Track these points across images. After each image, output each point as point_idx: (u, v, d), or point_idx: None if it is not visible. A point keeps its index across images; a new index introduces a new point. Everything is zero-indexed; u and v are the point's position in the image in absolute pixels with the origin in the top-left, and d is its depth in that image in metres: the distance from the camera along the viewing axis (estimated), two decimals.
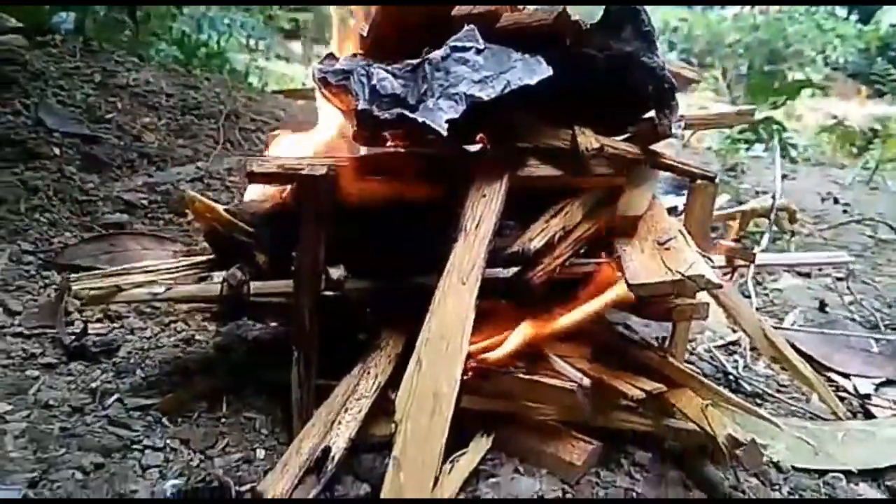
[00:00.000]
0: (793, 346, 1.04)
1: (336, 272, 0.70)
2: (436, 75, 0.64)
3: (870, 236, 1.67)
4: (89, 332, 0.93)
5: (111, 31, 2.47)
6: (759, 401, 0.99)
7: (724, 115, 0.88)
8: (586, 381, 0.73)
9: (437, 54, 0.65)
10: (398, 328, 0.79)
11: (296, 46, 5.54)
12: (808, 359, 1.05)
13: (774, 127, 2.28)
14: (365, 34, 0.83)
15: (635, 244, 0.73)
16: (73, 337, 0.90)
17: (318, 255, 0.71)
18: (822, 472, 0.80)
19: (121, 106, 1.71)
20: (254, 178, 0.72)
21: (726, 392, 0.79)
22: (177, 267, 0.77)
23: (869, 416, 0.96)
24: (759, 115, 2.50)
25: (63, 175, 1.39)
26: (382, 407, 0.72)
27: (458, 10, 0.71)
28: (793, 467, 0.80)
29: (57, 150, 1.46)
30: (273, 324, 0.82)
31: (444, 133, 0.61)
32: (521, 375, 0.72)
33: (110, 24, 2.48)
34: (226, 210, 0.75)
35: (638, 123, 0.74)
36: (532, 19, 0.69)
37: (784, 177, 2.12)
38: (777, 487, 0.76)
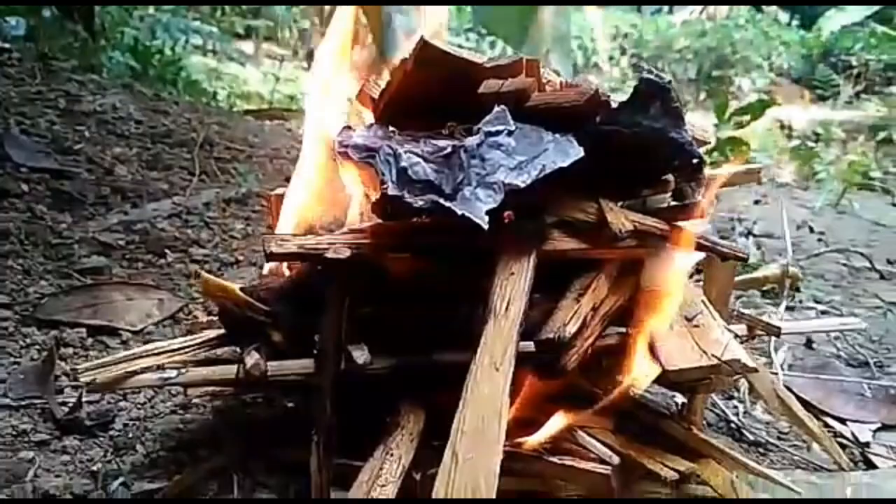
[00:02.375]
0: (789, 389, 1.06)
1: (360, 355, 0.68)
2: (472, 163, 0.62)
3: (844, 265, 1.70)
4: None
5: (62, 37, 2.38)
6: (762, 450, 1.00)
7: (734, 175, 0.88)
8: (616, 460, 0.72)
9: (472, 141, 0.63)
10: (417, 404, 0.77)
11: (247, 47, 5.47)
12: (806, 404, 1.06)
13: (742, 148, 2.32)
14: (376, 97, 0.81)
15: (667, 320, 0.72)
16: (65, 410, 0.86)
17: (341, 337, 0.68)
18: None
19: (88, 135, 1.64)
20: (272, 258, 0.69)
21: (748, 461, 0.78)
22: (187, 346, 0.74)
23: (870, 465, 0.97)
24: (724, 134, 2.55)
25: (34, 215, 1.32)
26: (407, 488, 0.70)
27: (486, 86, 0.69)
28: None
29: (25, 187, 1.39)
30: (289, 404, 0.79)
31: (486, 226, 0.59)
32: (554, 460, 0.70)
33: (62, 32, 2.39)
34: (241, 289, 0.72)
35: (667, 196, 0.74)
36: (563, 99, 0.68)
37: (757, 202, 2.16)
38: None
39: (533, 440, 0.70)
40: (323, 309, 0.71)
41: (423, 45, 0.70)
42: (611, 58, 10.30)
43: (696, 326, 0.71)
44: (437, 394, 0.75)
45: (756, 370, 0.65)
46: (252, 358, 0.67)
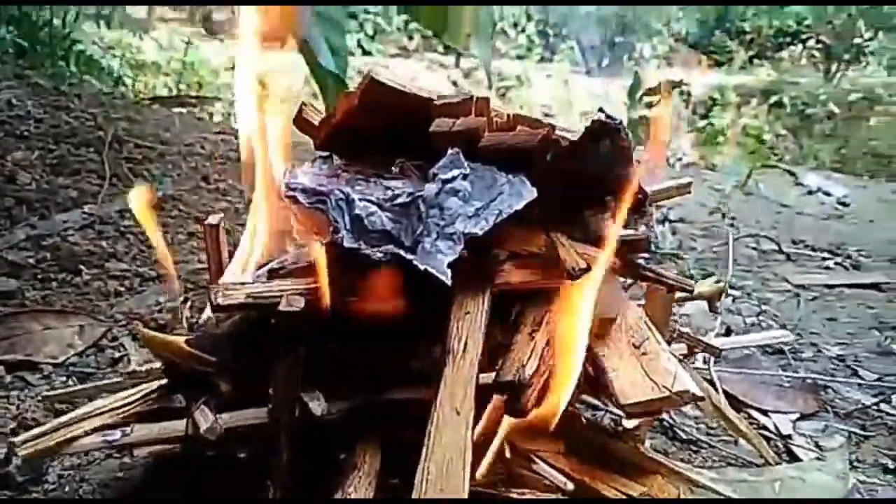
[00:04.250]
0: (713, 385, 1.11)
1: (317, 405, 0.66)
2: (430, 213, 0.61)
3: (754, 248, 1.79)
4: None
5: None
6: (694, 448, 1.05)
7: (667, 190, 0.90)
8: (570, 486, 0.74)
9: (430, 190, 0.62)
10: (372, 442, 0.76)
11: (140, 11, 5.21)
12: (731, 398, 1.12)
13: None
14: (317, 124, 0.78)
15: (613, 349, 0.73)
16: None
17: (297, 387, 0.67)
18: None
19: None
20: (219, 310, 0.66)
21: (692, 475, 0.82)
22: (129, 402, 0.70)
23: (793, 456, 1.04)
24: (636, 114, 2.62)
25: None
26: None
27: (437, 125, 0.67)
28: None
29: None
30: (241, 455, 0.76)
31: (449, 282, 0.59)
32: (512, 495, 0.71)
33: None
34: (186, 342, 0.69)
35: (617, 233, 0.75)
36: (516, 140, 0.67)
37: None
38: None
39: (482, 468, 0.70)
40: (272, 353, 0.69)
41: (371, 81, 0.68)
42: (515, 24, 10.36)
43: (644, 354, 0.73)
44: (393, 431, 0.74)
45: (703, 398, 0.68)
46: (206, 419, 0.64)
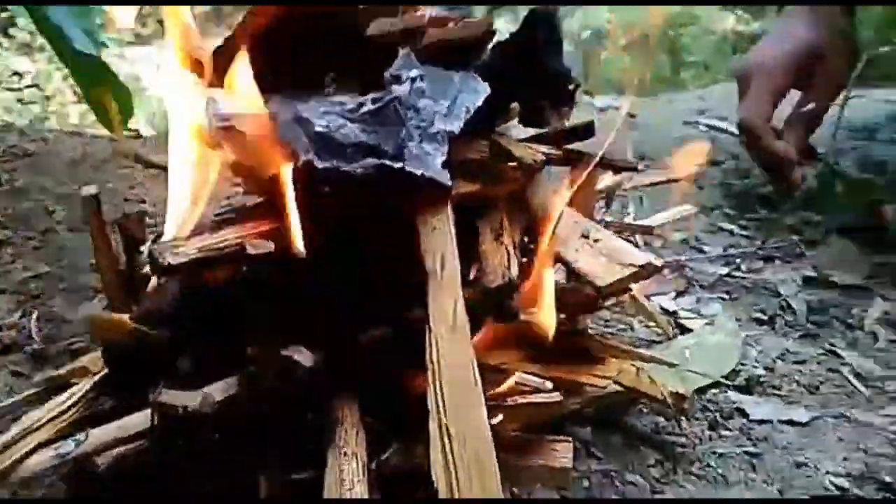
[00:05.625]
0: None
1: (305, 357, 0.59)
2: (408, 115, 0.56)
3: None
4: None
5: None
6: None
7: None
8: (549, 385, 0.74)
9: (401, 90, 0.56)
10: (342, 392, 0.70)
11: None
12: None
13: None
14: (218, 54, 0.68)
15: (565, 242, 0.74)
16: None
17: (278, 342, 0.59)
18: (702, 391, 0.93)
19: None
20: (171, 271, 0.56)
21: (639, 350, 0.86)
22: (72, 405, 0.57)
23: (685, 329, 1.13)
24: None
25: None
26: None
27: (375, 27, 0.62)
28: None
29: None
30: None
31: (449, 183, 0.55)
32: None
33: None
34: (130, 318, 0.57)
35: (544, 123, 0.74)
36: (462, 34, 0.64)
37: None
38: (699, 419, 0.87)
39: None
40: (236, 312, 0.61)
41: None
42: None
43: (596, 240, 0.74)
44: (369, 372, 0.69)
45: (663, 268, 0.71)
46: (184, 398, 0.55)
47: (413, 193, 0.60)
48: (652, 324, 1.11)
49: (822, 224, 1.43)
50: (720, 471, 0.78)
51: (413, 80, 0.58)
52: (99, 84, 2.34)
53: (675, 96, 2.91)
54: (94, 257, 0.77)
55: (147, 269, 0.70)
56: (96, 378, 0.61)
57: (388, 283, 0.66)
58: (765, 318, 1.15)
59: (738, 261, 1.33)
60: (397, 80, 0.57)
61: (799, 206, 1.35)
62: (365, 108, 0.56)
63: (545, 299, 0.71)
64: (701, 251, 1.41)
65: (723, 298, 1.22)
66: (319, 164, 0.54)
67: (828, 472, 0.78)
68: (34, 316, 1.03)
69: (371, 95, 0.57)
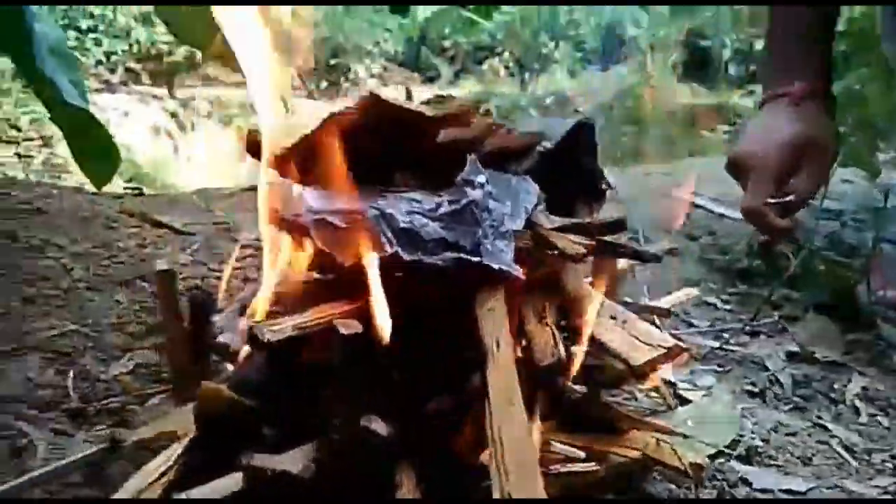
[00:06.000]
0: None
1: (381, 427, 0.66)
2: (483, 216, 0.64)
3: None
4: None
5: None
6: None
7: None
8: (581, 454, 0.81)
9: (476, 194, 0.64)
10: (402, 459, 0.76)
11: None
12: None
13: None
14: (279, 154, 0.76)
15: (598, 324, 0.82)
16: None
17: (359, 412, 0.65)
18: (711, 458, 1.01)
19: None
20: (265, 347, 0.62)
21: (655, 422, 0.94)
22: (164, 472, 0.62)
23: (684, 399, 1.21)
24: None
25: None
26: None
27: (444, 135, 0.70)
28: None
29: None
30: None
31: (522, 276, 0.62)
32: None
33: None
34: (228, 387, 0.63)
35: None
36: (517, 143, 0.72)
37: None
38: (708, 487, 0.94)
39: None
40: (320, 384, 0.67)
41: (372, 97, 0.69)
42: None
43: (624, 322, 0.82)
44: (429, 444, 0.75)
45: (689, 350, 0.79)
46: (280, 462, 0.60)
47: (477, 282, 0.68)
48: (653, 394, 1.18)
49: (801, 301, 1.54)
50: None
51: (483, 184, 0.66)
52: (86, 136, 2.39)
53: (644, 168, 3.07)
54: (163, 327, 0.82)
55: (218, 338, 0.75)
56: (185, 442, 0.66)
57: (448, 359, 0.73)
58: (756, 390, 1.24)
59: (725, 335, 1.42)
60: (470, 184, 0.66)
61: (781, 283, 1.46)
62: (443, 209, 0.64)
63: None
64: (691, 325, 1.51)
65: (716, 371, 1.31)
66: (406, 257, 0.62)
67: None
68: (70, 375, 1.07)
69: (446, 197, 0.65)
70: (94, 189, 2.07)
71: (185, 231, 1.70)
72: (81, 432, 0.96)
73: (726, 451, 1.03)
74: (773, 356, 1.35)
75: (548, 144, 0.76)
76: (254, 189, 2.14)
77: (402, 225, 0.63)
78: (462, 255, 0.62)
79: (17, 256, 1.39)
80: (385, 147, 0.71)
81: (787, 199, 1.35)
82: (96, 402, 1.02)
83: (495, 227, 0.64)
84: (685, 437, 0.92)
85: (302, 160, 0.73)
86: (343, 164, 0.67)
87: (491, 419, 0.67)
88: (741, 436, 1.08)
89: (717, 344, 1.39)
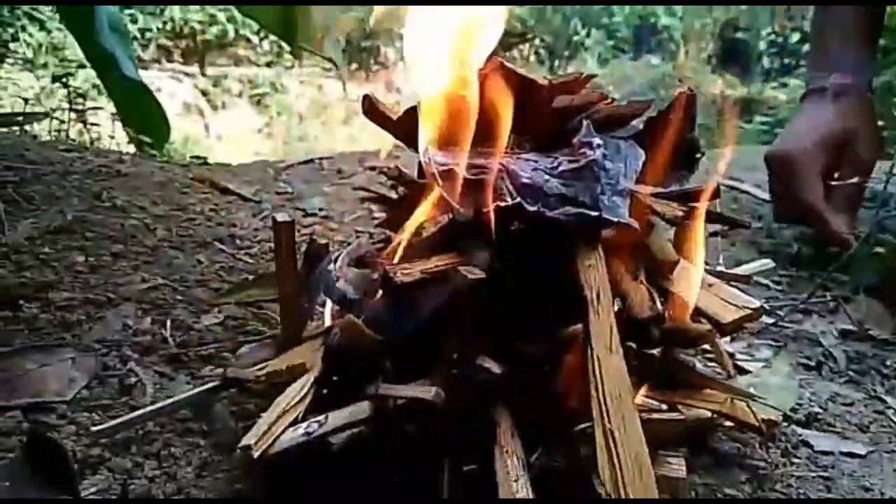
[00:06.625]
0: None
1: (495, 366, 0.71)
2: (602, 175, 0.69)
3: None
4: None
5: None
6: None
7: None
8: (664, 406, 0.86)
9: (595, 154, 0.70)
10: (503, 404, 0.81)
11: None
12: None
13: None
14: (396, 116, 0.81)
15: (688, 285, 0.87)
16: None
17: (476, 353, 0.71)
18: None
19: None
20: (396, 288, 0.68)
21: (726, 383, 0.99)
22: (303, 395, 0.69)
23: (742, 370, 1.26)
24: None
25: None
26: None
27: (558, 101, 0.75)
28: None
29: None
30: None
31: (638, 228, 0.68)
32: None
33: None
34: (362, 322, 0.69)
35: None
36: (627, 110, 0.78)
37: None
38: (772, 448, 0.99)
39: None
40: (437, 324, 0.72)
41: (497, 63, 0.74)
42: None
43: (710, 285, 0.87)
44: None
45: (769, 312, 0.84)
46: (425, 391, 0.66)
47: (588, 236, 0.73)
48: (711, 363, 1.23)
49: (850, 283, 1.58)
50: (801, 490, 0.91)
51: (600, 145, 0.71)
52: (140, 105, 2.47)
53: None
54: (277, 276, 0.88)
55: (335, 286, 0.81)
56: (315, 374, 0.72)
57: (545, 307, 0.78)
58: (811, 364, 1.29)
59: (779, 312, 1.47)
60: (588, 145, 0.71)
61: (839, 266, 1.50)
62: (562, 167, 0.70)
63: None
64: None
65: (770, 345, 1.36)
66: (529, 208, 0.67)
67: (892, 497, 0.90)
68: (167, 323, 1.14)
69: (564, 157, 0.71)
70: (159, 156, 2.14)
71: (254, 199, 1.77)
72: (181, 374, 1.03)
73: (787, 415, 1.08)
74: (826, 333, 1.39)
75: (653, 113, 0.80)
76: (308, 162, 2.23)
77: (523, 180, 0.68)
78: (581, 209, 0.68)
79: (104, 215, 1.46)
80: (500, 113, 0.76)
81: (848, 182, 1.39)
82: (192, 349, 1.09)
83: (612, 185, 0.70)
84: (752, 398, 0.97)
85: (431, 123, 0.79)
86: (468, 127, 0.73)
87: (592, 363, 0.73)
88: (800, 403, 1.13)
89: (771, 320, 1.43)
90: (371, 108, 0.82)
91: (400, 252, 0.71)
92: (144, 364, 1.04)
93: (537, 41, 11.73)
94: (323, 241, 0.84)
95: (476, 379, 0.68)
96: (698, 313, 0.84)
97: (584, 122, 0.73)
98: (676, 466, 0.85)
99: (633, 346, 0.82)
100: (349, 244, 0.90)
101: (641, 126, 0.80)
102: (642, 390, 0.88)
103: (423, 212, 0.73)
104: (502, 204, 0.67)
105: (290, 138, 9.27)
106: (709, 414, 0.91)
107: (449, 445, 0.72)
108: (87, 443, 0.84)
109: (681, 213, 0.79)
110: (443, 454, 0.72)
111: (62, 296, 1.16)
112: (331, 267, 0.81)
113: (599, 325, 0.75)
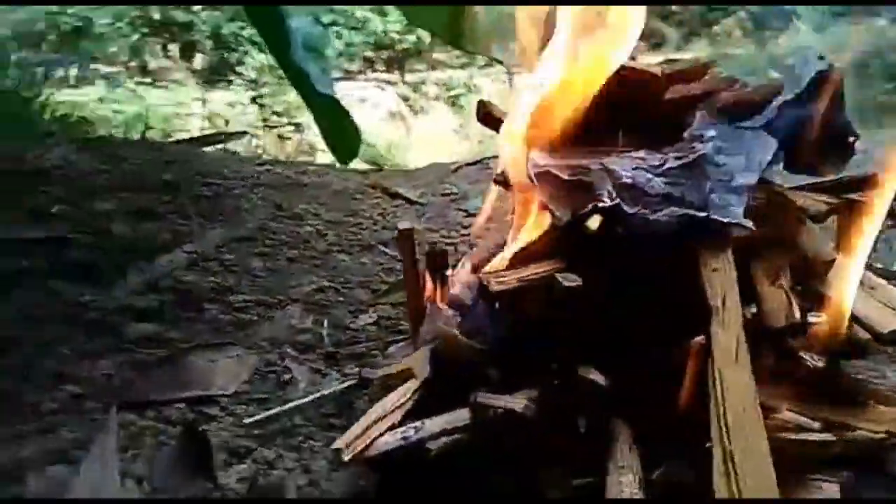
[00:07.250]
0: None
1: (599, 378, 0.68)
2: (711, 170, 0.63)
3: None
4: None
5: None
6: None
7: None
8: (816, 425, 0.77)
9: (704, 148, 0.64)
10: (618, 411, 0.77)
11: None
12: None
13: None
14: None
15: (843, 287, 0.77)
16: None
17: (577, 363, 0.68)
18: None
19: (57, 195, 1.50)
20: (491, 297, 0.67)
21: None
22: (404, 401, 0.71)
23: None
24: None
25: (50, 292, 1.20)
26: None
27: (672, 92, 0.70)
28: None
29: (25, 262, 1.26)
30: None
31: (753, 228, 0.61)
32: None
33: None
34: (461, 332, 0.70)
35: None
36: (753, 96, 0.70)
37: None
38: None
39: None
40: (539, 334, 0.71)
41: None
42: None
43: (872, 288, 0.76)
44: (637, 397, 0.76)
45: None
46: (503, 402, 0.65)
47: (702, 238, 0.67)
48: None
49: None
50: None
51: (712, 138, 0.65)
52: (333, 119, 2.63)
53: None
54: (404, 281, 0.90)
55: (451, 291, 0.82)
56: (421, 380, 0.73)
57: (665, 315, 0.73)
58: None
59: None
60: (699, 139, 0.65)
61: None
62: (668, 164, 0.65)
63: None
64: None
65: None
66: (628, 210, 0.63)
67: None
68: (325, 323, 1.22)
69: (672, 153, 0.65)
70: (340, 166, 2.29)
71: (419, 201, 1.83)
72: (333, 372, 1.09)
73: None
74: None
75: (788, 96, 0.72)
76: (477, 163, 2.25)
77: (624, 180, 0.64)
78: (687, 210, 0.62)
79: (283, 223, 1.59)
80: (611, 109, 0.72)
81: None
82: (346, 348, 1.15)
83: (725, 182, 0.63)
84: None
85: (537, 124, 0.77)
86: (572, 126, 0.70)
87: (713, 377, 0.67)
88: None
89: None
90: (485, 114, 0.82)
91: (507, 258, 0.70)
92: (301, 361, 1.12)
93: (742, 13, 10.93)
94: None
95: (577, 390, 0.65)
96: (855, 320, 0.74)
97: (699, 113, 0.67)
98: (828, 491, 0.75)
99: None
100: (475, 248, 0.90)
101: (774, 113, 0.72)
102: (784, 406, 0.79)
103: (522, 216, 0.71)
104: (599, 206, 0.64)
105: (484, 137, 9.45)
106: (879, 434, 0.80)
107: (548, 457, 0.70)
108: (240, 433, 0.93)
109: (825, 208, 0.70)
110: (541, 464, 0.70)
111: (239, 298, 1.29)
112: (449, 273, 0.82)
113: (724, 336, 0.69)
